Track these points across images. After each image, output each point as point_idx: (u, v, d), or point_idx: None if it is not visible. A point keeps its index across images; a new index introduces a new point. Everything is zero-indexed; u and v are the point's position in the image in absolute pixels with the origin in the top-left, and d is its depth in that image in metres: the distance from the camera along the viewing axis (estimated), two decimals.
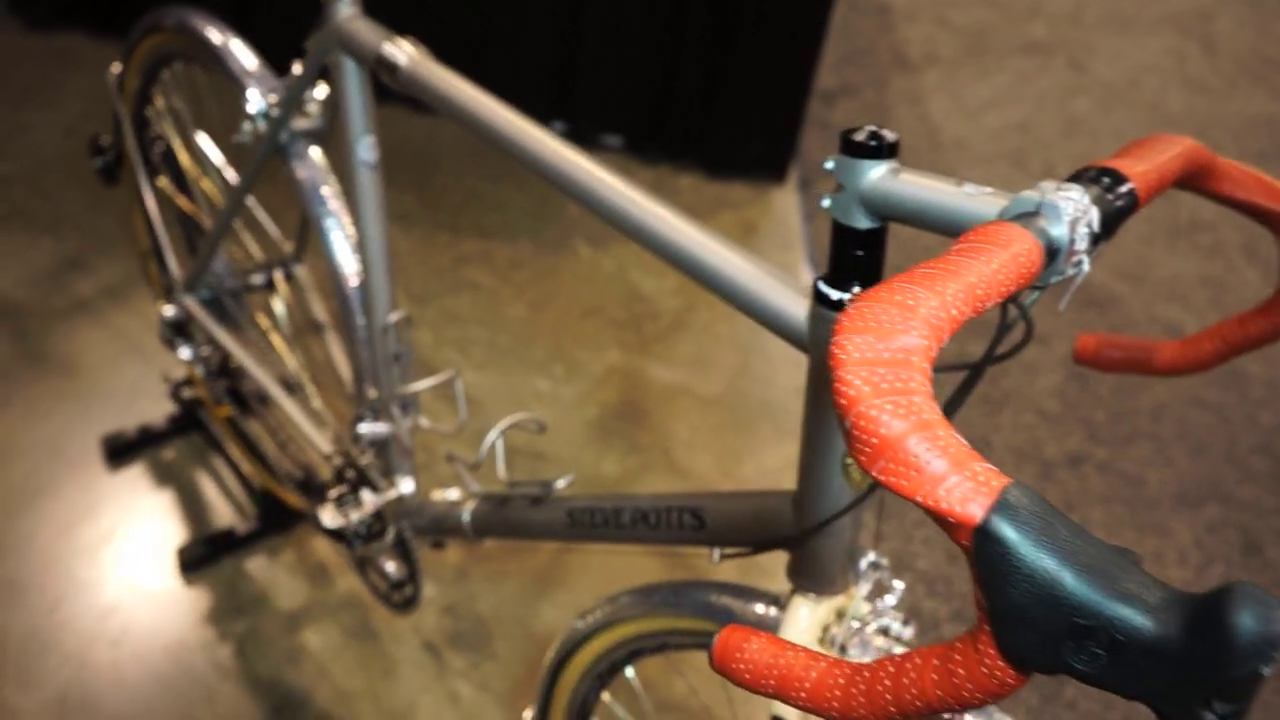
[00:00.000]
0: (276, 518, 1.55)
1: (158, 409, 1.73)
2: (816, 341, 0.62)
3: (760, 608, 0.78)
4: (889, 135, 0.55)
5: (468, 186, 2.50)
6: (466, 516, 1.06)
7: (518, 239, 2.38)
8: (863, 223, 0.57)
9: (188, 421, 1.69)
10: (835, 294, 0.60)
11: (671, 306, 2.24)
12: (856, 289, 0.59)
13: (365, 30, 0.93)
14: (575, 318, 2.16)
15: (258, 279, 1.40)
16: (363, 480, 1.10)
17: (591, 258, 2.36)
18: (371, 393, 1.12)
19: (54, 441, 1.65)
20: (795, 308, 0.64)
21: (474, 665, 1.44)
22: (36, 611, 1.40)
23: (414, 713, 1.36)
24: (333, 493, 1.09)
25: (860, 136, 0.55)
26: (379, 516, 1.10)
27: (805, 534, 0.70)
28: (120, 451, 1.62)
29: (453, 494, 1.11)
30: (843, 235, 0.59)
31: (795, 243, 2.58)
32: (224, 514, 1.58)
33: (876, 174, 0.55)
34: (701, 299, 2.28)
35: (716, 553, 0.78)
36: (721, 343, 2.15)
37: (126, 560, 1.49)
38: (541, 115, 0.93)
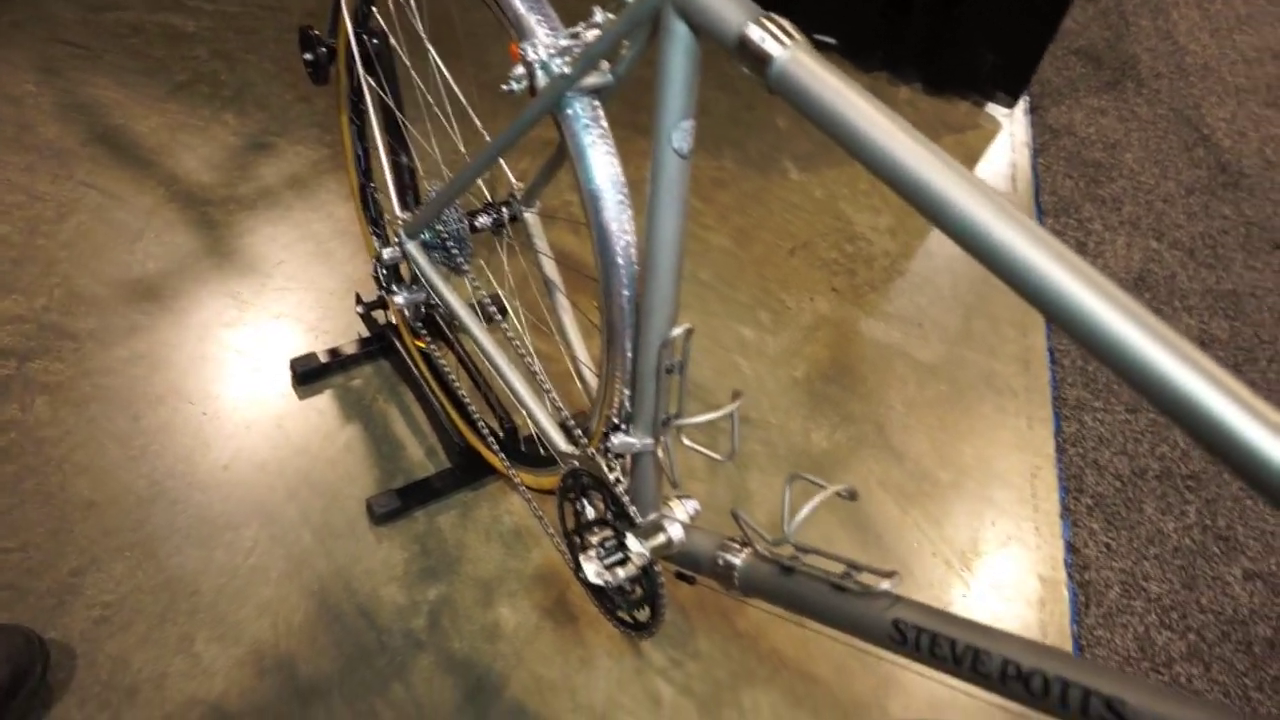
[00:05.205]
0: (472, 470, 1.44)
1: (345, 326, 1.61)
2: None
3: None
4: None
5: None
6: (738, 569, 0.91)
7: (721, 151, 2.15)
8: None
9: (378, 347, 1.56)
10: None
11: (887, 249, 2.01)
12: None
13: (722, 1, 0.71)
14: (783, 254, 1.95)
15: (483, 220, 1.23)
16: (617, 509, 0.95)
17: (800, 182, 2.12)
18: (625, 398, 0.95)
19: (245, 358, 1.55)
20: None
21: (675, 664, 1.33)
22: (235, 552, 1.32)
23: (613, 713, 1.26)
24: (594, 537, 0.95)
25: None
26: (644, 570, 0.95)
27: None
28: (309, 376, 1.51)
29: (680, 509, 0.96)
30: None
31: (1022, 178, 2.29)
32: (414, 457, 1.47)
33: None
34: (920, 244, 2.04)
35: None
36: (942, 299, 1.92)
37: (318, 507, 1.40)
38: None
